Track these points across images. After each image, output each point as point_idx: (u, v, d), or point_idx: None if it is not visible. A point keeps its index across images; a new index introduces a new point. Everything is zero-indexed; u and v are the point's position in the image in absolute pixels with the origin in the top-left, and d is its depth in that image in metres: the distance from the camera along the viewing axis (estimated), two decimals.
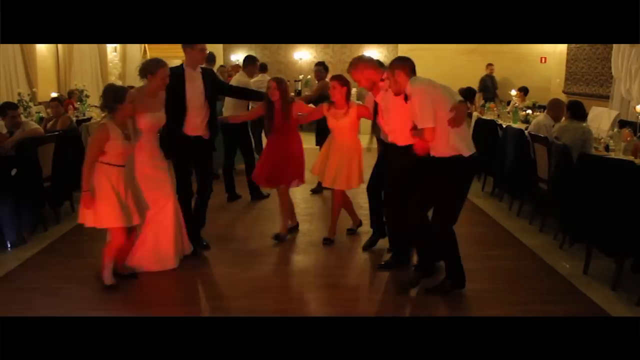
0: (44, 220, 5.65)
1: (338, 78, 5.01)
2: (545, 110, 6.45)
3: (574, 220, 4.73)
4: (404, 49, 13.34)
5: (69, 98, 9.27)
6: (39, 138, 5.56)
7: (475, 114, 8.43)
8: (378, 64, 4.77)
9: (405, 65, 4.11)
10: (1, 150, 5.18)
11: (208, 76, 4.86)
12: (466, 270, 4.13)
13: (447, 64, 13.05)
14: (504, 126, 7.02)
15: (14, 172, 5.11)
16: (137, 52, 14.65)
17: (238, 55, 15.50)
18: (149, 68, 4.40)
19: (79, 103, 9.01)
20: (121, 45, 14.05)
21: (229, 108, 6.65)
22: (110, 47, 13.56)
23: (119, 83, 13.47)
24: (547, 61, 13.07)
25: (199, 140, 4.78)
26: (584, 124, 5.60)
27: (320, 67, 7.54)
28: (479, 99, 10.29)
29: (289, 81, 6.23)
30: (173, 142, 4.69)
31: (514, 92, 10.50)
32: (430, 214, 4.21)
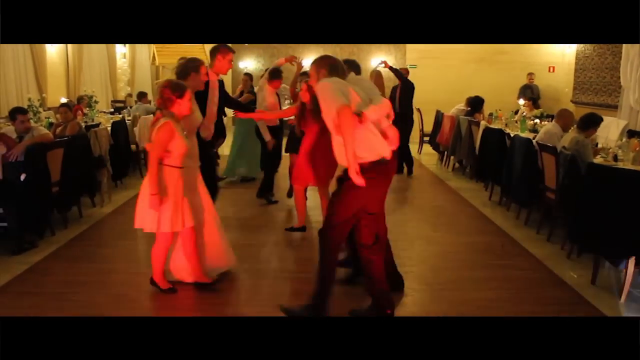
0: (52, 225, 5.68)
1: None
2: (554, 119, 6.44)
3: (582, 230, 4.71)
4: (412, 57, 13.38)
5: (78, 104, 9.32)
6: (48, 143, 5.59)
7: (483, 123, 8.42)
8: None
9: (320, 63, 3.64)
10: (11, 156, 5.21)
11: (222, 86, 4.92)
12: (473, 279, 4.11)
13: (455, 72, 13.05)
14: (512, 135, 7.00)
15: (23, 177, 5.14)
16: (145, 58, 14.74)
17: (246, 62, 15.55)
18: (193, 66, 4.30)
19: (88, 109, 9.06)
20: (130, 51, 14.14)
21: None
22: (119, 53, 13.66)
23: (128, 89, 13.58)
24: (555, 70, 13.04)
25: (207, 143, 4.82)
26: (583, 136, 5.48)
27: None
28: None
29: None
30: None
31: (522, 102, 10.47)
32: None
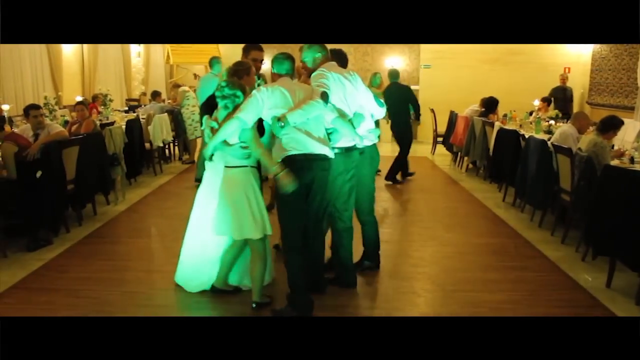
0: (67, 222, 5.73)
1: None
2: (570, 121, 6.39)
3: (597, 232, 4.66)
4: (427, 58, 13.32)
5: (93, 102, 9.41)
6: (63, 141, 5.64)
7: (497, 124, 8.37)
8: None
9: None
10: (28, 155, 5.26)
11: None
12: (486, 281, 4.09)
13: (469, 73, 12.97)
14: (527, 136, 6.96)
15: (39, 174, 5.20)
16: (160, 57, 14.84)
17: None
18: (245, 68, 4.23)
19: (102, 107, 9.14)
20: (145, 50, 14.24)
21: None
22: (134, 52, 13.75)
23: (142, 88, 13.68)
24: (570, 71, 12.92)
25: None
26: (601, 139, 5.42)
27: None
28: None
29: None
30: None
31: (536, 103, 10.39)
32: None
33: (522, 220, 6.46)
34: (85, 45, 11.24)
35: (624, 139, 7.16)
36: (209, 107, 4.09)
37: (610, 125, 5.47)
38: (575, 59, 12.76)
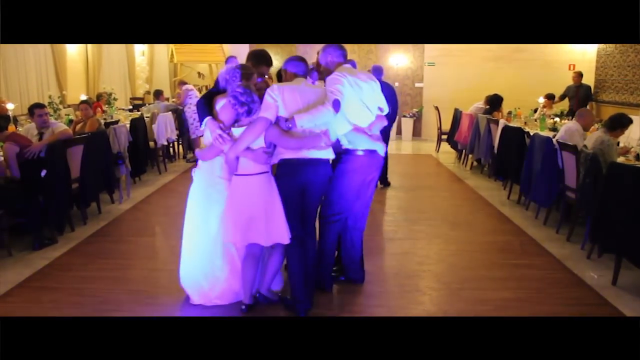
0: (72, 221, 5.75)
1: None
2: (575, 118, 6.36)
3: (603, 230, 4.64)
4: (431, 55, 13.30)
5: (98, 101, 9.43)
6: (68, 140, 5.65)
7: (502, 121, 8.35)
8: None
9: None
10: (28, 153, 5.26)
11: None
12: (491, 278, 4.08)
13: (473, 70, 12.94)
14: (531, 134, 6.93)
15: (43, 173, 5.20)
16: (164, 56, 14.83)
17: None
18: (248, 73, 4.21)
19: (107, 106, 9.16)
20: (149, 49, 14.25)
21: None
22: (138, 51, 13.76)
23: (146, 87, 13.69)
24: (575, 68, 12.87)
25: None
26: (608, 136, 5.39)
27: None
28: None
29: None
30: None
31: (541, 100, 10.36)
32: None
33: (527, 217, 6.44)
34: (89, 45, 11.26)
35: (629, 136, 7.11)
36: (207, 105, 4.02)
37: (619, 124, 5.43)
38: (580, 57, 12.71)
